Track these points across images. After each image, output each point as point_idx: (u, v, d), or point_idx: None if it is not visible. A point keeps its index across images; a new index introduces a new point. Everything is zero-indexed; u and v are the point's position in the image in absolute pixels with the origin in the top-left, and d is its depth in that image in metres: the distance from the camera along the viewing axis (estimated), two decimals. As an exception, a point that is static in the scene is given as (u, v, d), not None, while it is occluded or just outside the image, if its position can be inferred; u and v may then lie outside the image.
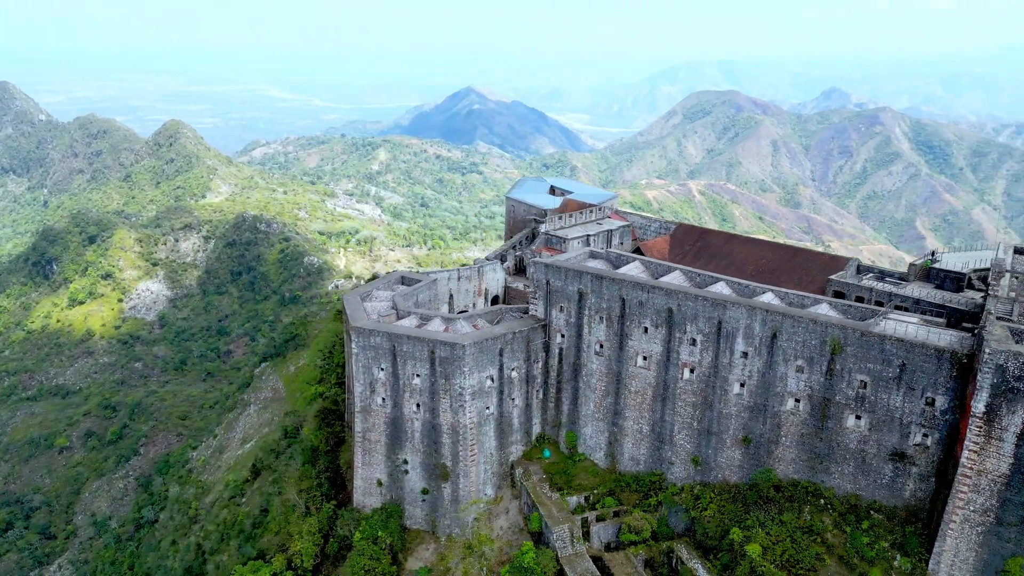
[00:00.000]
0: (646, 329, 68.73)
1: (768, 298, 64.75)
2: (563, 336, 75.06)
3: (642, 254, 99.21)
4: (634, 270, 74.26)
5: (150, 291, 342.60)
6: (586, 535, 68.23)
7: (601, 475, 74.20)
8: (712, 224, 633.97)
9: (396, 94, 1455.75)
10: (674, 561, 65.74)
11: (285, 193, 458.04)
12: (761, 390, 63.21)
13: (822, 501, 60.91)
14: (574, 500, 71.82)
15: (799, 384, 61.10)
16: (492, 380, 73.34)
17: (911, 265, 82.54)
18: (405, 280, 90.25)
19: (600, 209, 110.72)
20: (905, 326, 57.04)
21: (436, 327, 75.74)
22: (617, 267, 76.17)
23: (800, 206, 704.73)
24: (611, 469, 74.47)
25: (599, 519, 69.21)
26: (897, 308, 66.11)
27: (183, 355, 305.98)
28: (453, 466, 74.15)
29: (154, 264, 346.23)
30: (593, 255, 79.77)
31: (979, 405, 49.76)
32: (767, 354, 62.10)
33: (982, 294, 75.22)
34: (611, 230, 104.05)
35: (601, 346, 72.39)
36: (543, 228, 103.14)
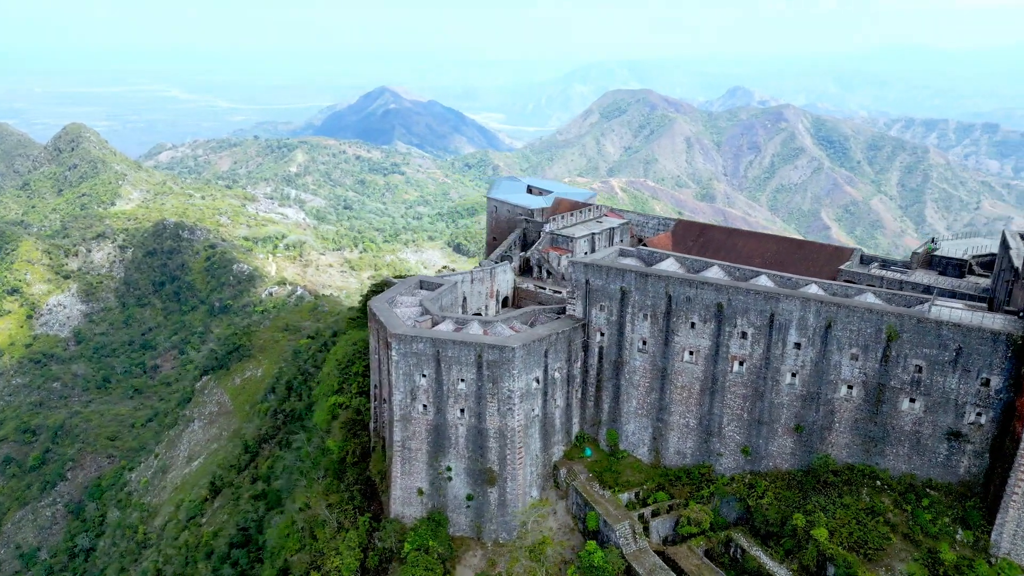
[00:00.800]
0: (693, 324, 70.22)
1: (765, 284, 67.28)
2: (603, 335, 75.69)
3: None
4: (671, 266, 75.67)
5: (62, 306, 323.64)
6: (644, 530, 69.09)
7: (646, 471, 75.27)
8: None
9: (304, 94, 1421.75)
10: (733, 550, 67.46)
11: (203, 198, 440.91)
12: (814, 379, 65.67)
13: (878, 483, 63.81)
14: (625, 497, 72.63)
15: (853, 371, 63.83)
16: (538, 382, 73.26)
17: (914, 253, 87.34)
18: (424, 284, 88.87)
19: (597, 208, 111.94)
20: (957, 312, 60.45)
21: (475, 331, 75.03)
22: (650, 264, 77.42)
23: (715, 200, 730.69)
24: (655, 464, 75.66)
25: (655, 514, 70.27)
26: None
27: (105, 372, 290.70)
28: (500, 470, 73.64)
29: (65, 277, 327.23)
30: (623, 253, 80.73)
31: (1042, 383, 53.40)
32: (821, 344, 64.57)
33: (984, 279, 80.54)
34: (612, 228, 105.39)
35: (644, 343, 73.42)
36: (547, 228, 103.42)
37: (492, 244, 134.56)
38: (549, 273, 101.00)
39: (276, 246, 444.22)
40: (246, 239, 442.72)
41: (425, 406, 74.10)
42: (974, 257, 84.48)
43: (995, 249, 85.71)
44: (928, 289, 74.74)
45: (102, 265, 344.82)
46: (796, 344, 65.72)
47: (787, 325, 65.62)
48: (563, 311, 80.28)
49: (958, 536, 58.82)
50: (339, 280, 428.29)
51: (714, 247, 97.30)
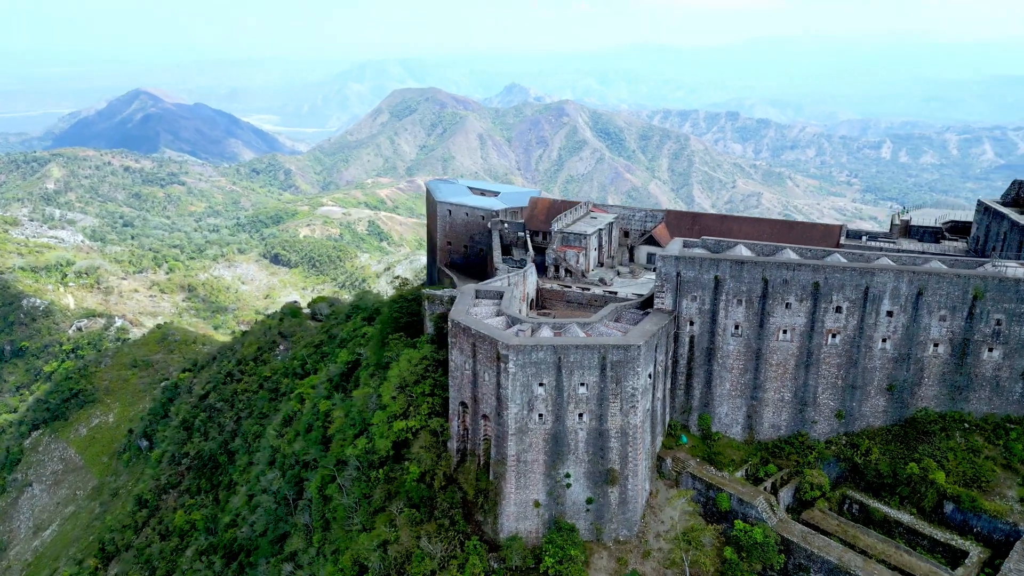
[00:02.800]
0: (788, 305, 75.69)
1: (839, 260, 75.64)
2: (693, 324, 78.80)
3: (655, 242, 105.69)
4: (743, 251, 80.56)
5: None
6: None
7: (743, 448, 79.74)
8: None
9: (37, 101, 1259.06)
10: (847, 506, 74.13)
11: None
12: (905, 342, 74.00)
13: (966, 425, 73.62)
14: (738, 475, 76.57)
15: (941, 331, 72.94)
16: (650, 377, 74.74)
17: (892, 225, 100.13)
18: (479, 293, 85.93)
19: (584, 204, 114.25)
20: (1018, 269, 71.51)
21: (575, 333, 74.68)
22: (716, 252, 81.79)
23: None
24: (749, 441, 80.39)
25: (779, 485, 75.02)
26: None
27: None
28: (622, 469, 74.18)
29: None
30: (687, 244, 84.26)
31: (1118, 322, 65.35)
32: (912, 310, 72.95)
33: (954, 242, 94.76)
34: (611, 223, 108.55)
35: (737, 327, 77.68)
36: (554, 227, 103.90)
37: (446, 248, 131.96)
38: (568, 272, 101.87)
39: (65, 275, 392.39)
40: (23, 269, 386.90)
41: (542, 415, 72.56)
42: (945, 224, 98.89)
43: (956, 217, 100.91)
44: (923, 253, 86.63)
45: None
46: (888, 312, 73.58)
47: (881, 296, 73.25)
48: (641, 306, 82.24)
49: (1047, 459, 69.88)
50: (150, 305, 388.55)
51: (712, 233, 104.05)
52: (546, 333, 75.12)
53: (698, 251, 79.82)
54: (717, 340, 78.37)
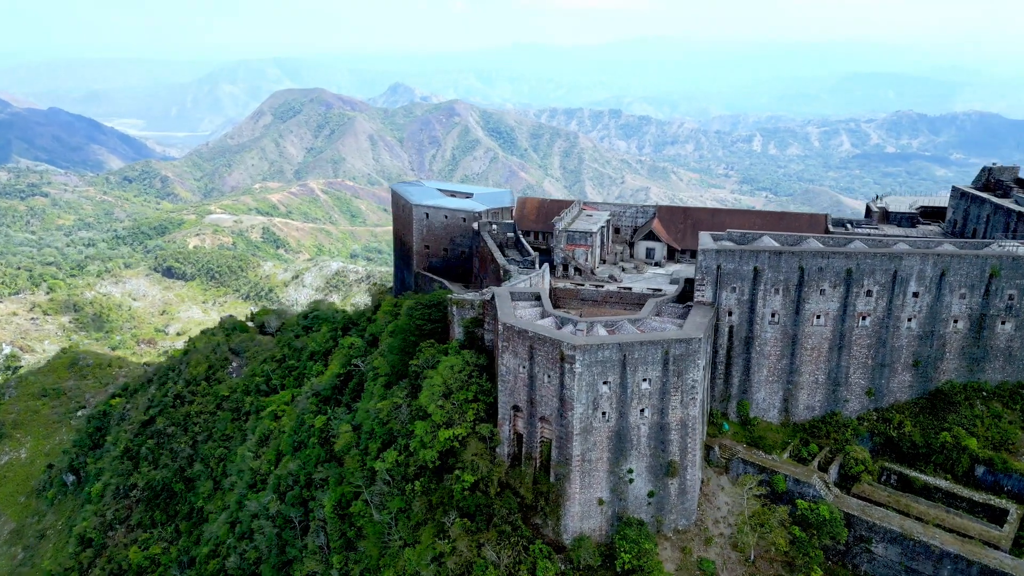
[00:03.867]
0: (823, 291, 79.50)
1: (859, 246, 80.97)
2: (731, 314, 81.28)
3: (654, 237, 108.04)
4: (770, 242, 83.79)
5: None
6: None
7: (782, 431, 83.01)
8: (343, 221, 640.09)
9: None
10: (886, 478, 78.79)
11: None
12: (929, 320, 79.44)
13: (984, 393, 79.94)
14: (785, 456, 79.69)
15: (961, 308, 78.81)
16: (703, 369, 76.46)
17: (871, 212, 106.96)
18: (514, 296, 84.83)
19: (576, 203, 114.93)
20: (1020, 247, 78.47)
21: (629, 330, 75.44)
22: (741, 244, 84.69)
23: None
24: (785, 423, 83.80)
25: (824, 463, 78.62)
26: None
27: None
28: (682, 460, 75.57)
29: None
30: (716, 238, 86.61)
31: (1119, 291, 73.00)
32: (936, 290, 78.40)
33: (930, 226, 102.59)
34: (608, 220, 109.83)
35: (774, 315, 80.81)
36: (558, 227, 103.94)
37: (424, 253, 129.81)
38: (578, 270, 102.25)
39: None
40: None
41: (605, 413, 72.82)
42: (917, 209, 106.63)
43: (927, 203, 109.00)
44: (907, 236, 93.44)
45: None
46: (915, 293, 78.74)
47: (908, 279, 78.28)
48: (678, 300, 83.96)
49: (1059, 418, 77.07)
50: (33, 329, 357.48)
51: (704, 227, 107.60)
52: (601, 331, 75.32)
53: (729, 244, 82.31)
54: (755, 328, 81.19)
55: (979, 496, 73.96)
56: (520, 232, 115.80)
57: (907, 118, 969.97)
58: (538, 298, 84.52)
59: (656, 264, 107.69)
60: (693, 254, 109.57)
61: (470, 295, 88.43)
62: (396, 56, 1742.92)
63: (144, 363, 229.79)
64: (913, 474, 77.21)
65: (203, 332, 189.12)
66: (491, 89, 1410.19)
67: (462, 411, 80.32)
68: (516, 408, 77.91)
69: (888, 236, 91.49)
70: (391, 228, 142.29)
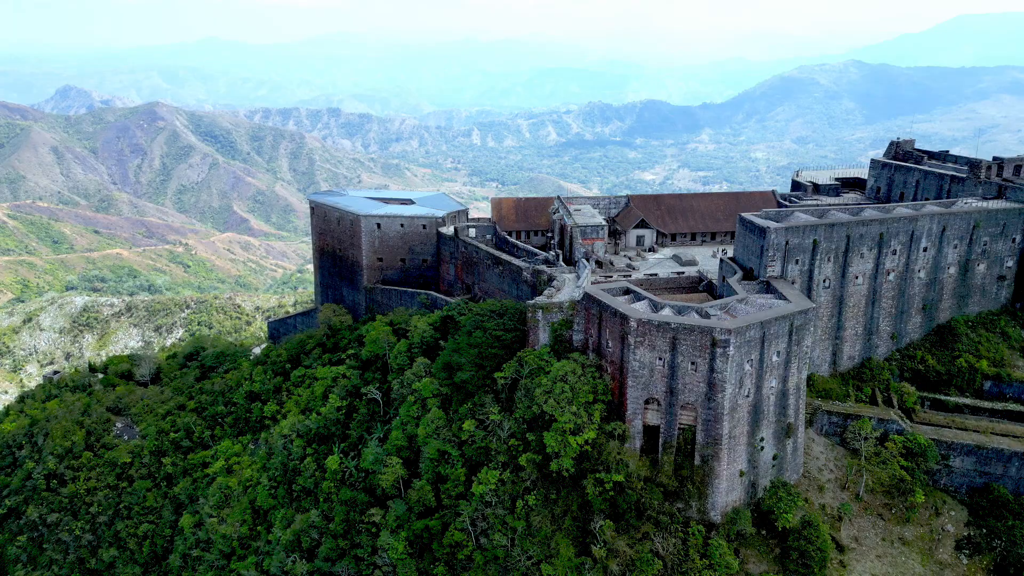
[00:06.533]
0: (862, 255, 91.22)
1: (905, 212, 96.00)
2: (794, 283, 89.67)
3: (646, 224, 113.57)
4: (805, 217, 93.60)
5: None
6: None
7: (833, 381, 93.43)
8: (45, 250, 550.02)
9: None
10: (921, 404, 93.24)
11: None
12: (932, 269, 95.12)
13: (969, 322, 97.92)
14: (851, 402, 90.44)
15: (953, 256, 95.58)
16: (811, 335, 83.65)
17: (802, 185, 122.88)
18: (587, 298, 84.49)
19: (559, 199, 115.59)
20: (989, 203, 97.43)
21: (716, 312, 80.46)
22: (778, 221, 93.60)
23: (122, 212, 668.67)
24: (834, 374, 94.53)
25: (885, 402, 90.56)
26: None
27: None
28: (796, 420, 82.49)
29: None
30: (765, 216, 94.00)
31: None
32: (938, 243, 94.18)
33: (852, 193, 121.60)
34: (596, 213, 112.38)
35: (826, 280, 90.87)
36: (568, 223, 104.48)
37: (376, 266, 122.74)
38: (599, 263, 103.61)
39: None
40: None
41: (747, 389, 77.17)
42: (836, 180, 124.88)
43: (843, 175, 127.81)
44: (840, 203, 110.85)
45: None
46: (924, 248, 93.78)
47: (920, 236, 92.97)
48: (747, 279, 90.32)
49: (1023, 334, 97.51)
50: None
51: (680, 210, 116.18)
52: (716, 312, 79.05)
53: (801, 219, 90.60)
54: (812, 295, 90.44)
55: (999, 405, 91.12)
56: (504, 233, 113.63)
57: (598, 108, 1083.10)
58: (627, 292, 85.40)
59: (649, 250, 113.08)
60: (674, 237, 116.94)
61: (557, 300, 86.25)
62: (56, 56, 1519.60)
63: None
64: (944, 398, 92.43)
65: (23, 399, 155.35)
66: (181, 90, 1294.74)
67: (589, 414, 78.86)
68: (650, 401, 78.65)
69: (826, 205, 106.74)
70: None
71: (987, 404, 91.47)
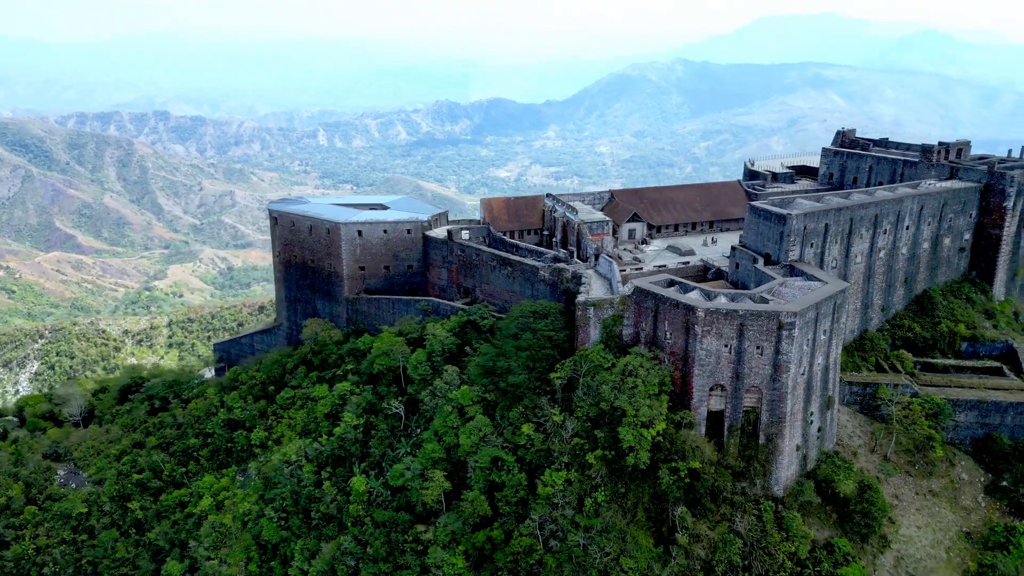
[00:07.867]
0: (861, 235, 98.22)
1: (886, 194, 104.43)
2: (810, 265, 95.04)
3: (637, 218, 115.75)
4: (804, 203, 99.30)
5: None
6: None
7: (841, 355, 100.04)
8: None
9: None
10: (916, 369, 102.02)
11: None
12: (912, 245, 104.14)
13: (941, 291, 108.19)
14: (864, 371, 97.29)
15: (927, 232, 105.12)
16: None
17: (759, 175, 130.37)
18: (636, 291, 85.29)
19: (549, 196, 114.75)
20: (949, 183, 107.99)
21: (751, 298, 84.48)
22: (783, 208, 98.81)
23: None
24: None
25: (894, 368, 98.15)
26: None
27: None
28: (834, 392, 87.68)
29: None
30: (773, 203, 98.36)
31: (1008, 203, 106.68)
32: (917, 221, 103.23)
33: (804, 180, 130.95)
34: (592, 209, 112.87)
35: (834, 261, 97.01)
36: (575, 220, 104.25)
37: (358, 275, 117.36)
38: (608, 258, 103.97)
39: None
40: None
41: (803, 369, 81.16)
42: (789, 167, 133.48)
43: (795, 163, 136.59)
44: (802, 189, 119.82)
45: None
46: (907, 226, 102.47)
47: (904, 216, 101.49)
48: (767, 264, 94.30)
49: (983, 298, 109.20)
50: None
51: (661, 201, 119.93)
52: (770, 298, 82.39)
53: (811, 206, 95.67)
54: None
55: (977, 363, 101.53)
56: (500, 233, 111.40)
57: (446, 107, 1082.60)
58: (672, 284, 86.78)
59: (642, 242, 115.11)
60: (659, 229, 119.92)
61: (608, 297, 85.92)
62: None
63: None
64: (933, 360, 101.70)
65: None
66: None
67: (657, 406, 79.54)
68: (716, 387, 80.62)
69: (790, 193, 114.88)
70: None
71: (969, 363, 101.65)
